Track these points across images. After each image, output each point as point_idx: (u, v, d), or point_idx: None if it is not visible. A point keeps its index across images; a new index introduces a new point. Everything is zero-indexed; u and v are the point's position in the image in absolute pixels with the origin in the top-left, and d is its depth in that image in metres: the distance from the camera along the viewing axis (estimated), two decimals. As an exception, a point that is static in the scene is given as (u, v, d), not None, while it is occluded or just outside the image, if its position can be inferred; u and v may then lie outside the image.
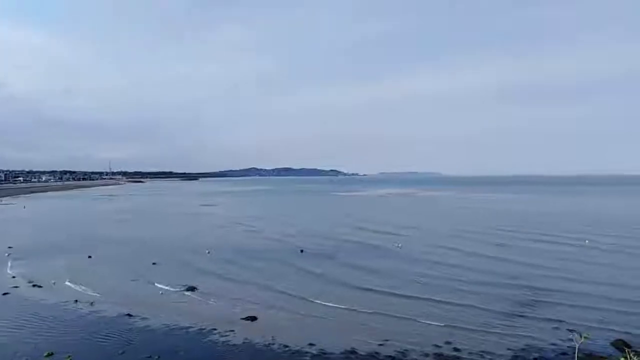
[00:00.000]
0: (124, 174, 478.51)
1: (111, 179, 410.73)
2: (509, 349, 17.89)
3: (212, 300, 25.01)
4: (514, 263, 33.73)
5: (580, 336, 13.25)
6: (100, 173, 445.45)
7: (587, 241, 43.66)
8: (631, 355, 14.59)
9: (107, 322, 21.40)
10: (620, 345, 18.03)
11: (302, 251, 40.46)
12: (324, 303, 23.86)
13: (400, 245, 42.95)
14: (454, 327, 20.38)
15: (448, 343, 18.50)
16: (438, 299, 24.71)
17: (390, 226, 57.20)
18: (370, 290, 26.60)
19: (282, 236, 50.08)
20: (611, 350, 17.66)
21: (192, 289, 27.38)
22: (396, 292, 26.13)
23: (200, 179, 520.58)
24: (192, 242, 45.66)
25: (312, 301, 24.45)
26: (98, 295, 26.09)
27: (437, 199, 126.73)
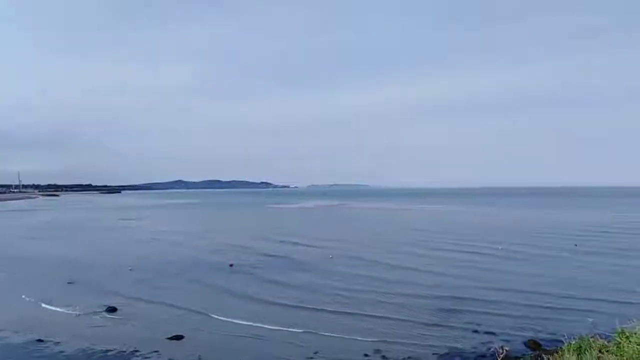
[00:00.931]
0: (37, 187, 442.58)
1: (21, 192, 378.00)
2: (434, 354, 18.69)
3: (135, 320, 23.63)
4: (434, 274, 34.85)
5: (502, 349, 14.07)
6: (8, 186, 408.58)
7: (500, 247, 47.02)
8: (542, 353, 15.73)
9: (13, 349, 19.45)
10: (533, 345, 19.45)
11: (231, 265, 39.62)
12: (252, 324, 23.04)
13: (331, 256, 43.61)
14: (383, 341, 20.55)
15: (377, 351, 18.91)
16: (365, 313, 24.80)
17: (319, 239, 57.48)
18: (299, 307, 26.22)
19: (211, 251, 48.75)
20: (525, 350, 18.95)
21: (112, 309, 25.70)
22: (325, 308, 25.96)
23: (123, 192, 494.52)
24: (112, 260, 43.02)
25: (240, 320, 23.76)
26: (4, 319, 23.68)
27: (365, 211, 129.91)
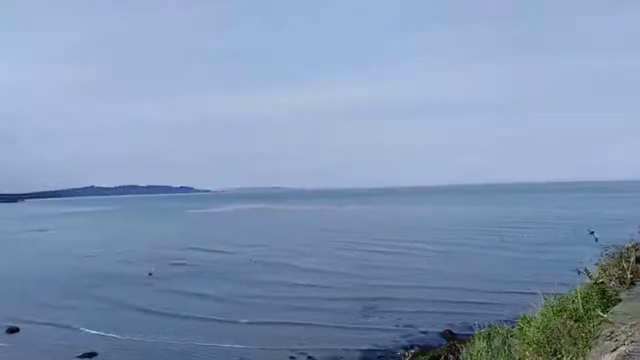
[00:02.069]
0: None
1: None
2: (358, 348, 19.30)
3: (42, 340, 21.72)
4: (354, 277, 34.86)
5: (408, 353, 14.80)
6: None
7: (411, 243, 49.42)
8: (456, 342, 16.76)
9: None
10: (448, 335, 20.70)
11: (150, 274, 37.84)
12: (166, 340, 21.74)
13: (254, 260, 43.16)
14: (307, 347, 20.40)
15: (302, 354, 19.08)
16: (288, 321, 24.27)
17: (238, 245, 55.93)
18: (220, 320, 24.97)
19: (127, 261, 46.10)
20: (441, 340, 20.09)
21: (14, 330, 23.41)
22: (247, 319, 25.00)
23: (25, 200, 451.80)
24: (16, 275, 39.22)
25: (155, 337, 22.33)
26: None
27: (284, 213, 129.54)
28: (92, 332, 23.15)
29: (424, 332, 21.34)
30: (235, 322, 24.49)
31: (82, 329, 23.66)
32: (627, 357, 1.49)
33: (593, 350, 2.03)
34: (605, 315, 2.12)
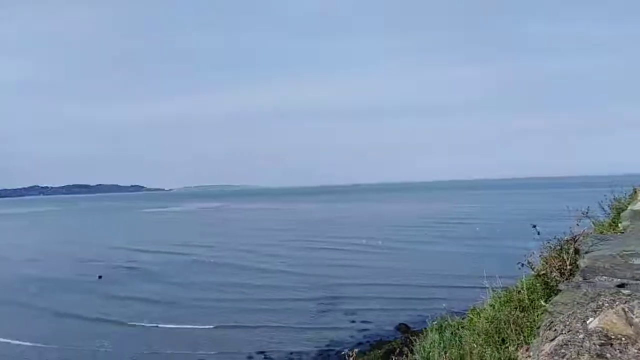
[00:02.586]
0: None
1: None
2: (316, 347, 19.36)
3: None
4: (308, 276, 34.51)
5: (352, 352, 14.96)
6: None
7: (364, 241, 50.07)
8: (410, 335, 17.19)
9: None
10: (403, 328, 21.18)
11: (100, 277, 36.38)
12: (112, 350, 20.83)
13: (212, 260, 42.50)
14: (264, 350, 20.27)
15: (260, 352, 18.97)
16: (243, 324, 23.83)
17: (190, 245, 54.52)
18: (166, 326, 24.15)
19: (75, 264, 44.00)
20: (396, 333, 20.53)
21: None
22: (201, 324, 24.16)
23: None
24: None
25: (100, 345, 21.34)
26: None
27: (238, 212, 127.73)
28: (28, 344, 21.65)
29: (380, 327, 21.73)
30: (188, 327, 23.75)
31: (16, 342, 21.98)
32: (564, 346, 1.56)
33: (535, 340, 2.10)
34: (546, 305, 2.21)
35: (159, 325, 24.28)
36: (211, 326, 23.91)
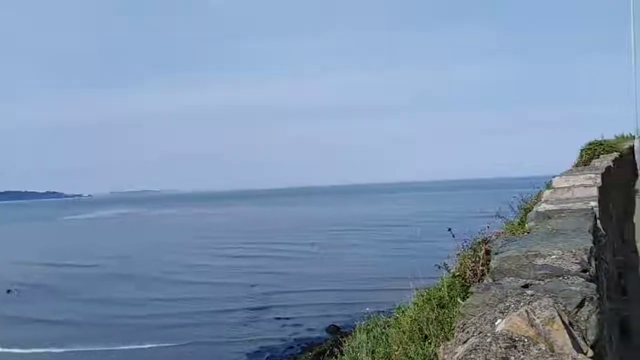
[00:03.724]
0: None
1: None
2: (247, 354, 19.03)
3: None
4: (233, 285, 33.36)
5: None
6: None
7: (296, 246, 49.79)
8: (340, 336, 17.46)
9: None
10: (333, 329, 21.45)
11: (8, 292, 33.30)
12: None
13: (127, 273, 39.97)
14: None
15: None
16: (164, 344, 22.28)
17: (102, 257, 50.05)
18: (78, 349, 22.30)
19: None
20: (327, 335, 20.74)
21: None
22: (115, 346, 22.50)
23: None
24: None
25: None
26: None
27: (164, 218, 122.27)
28: None
29: (310, 330, 21.84)
30: (102, 350, 21.96)
31: None
32: (473, 351, 1.61)
33: (449, 342, 2.17)
34: (463, 303, 2.30)
35: (68, 350, 22.21)
36: (130, 346, 22.19)
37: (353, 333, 16.16)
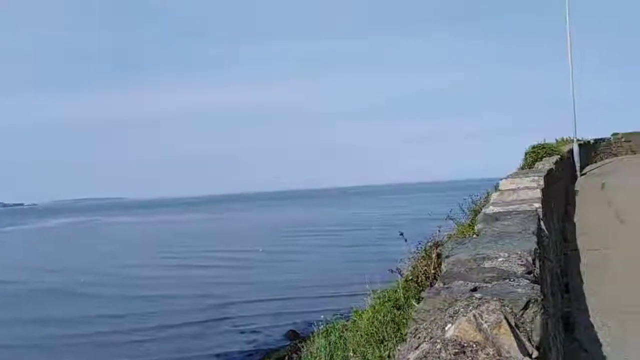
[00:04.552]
0: None
1: None
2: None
3: None
4: (184, 298, 31.40)
5: None
6: None
7: (249, 254, 48.64)
8: (299, 342, 17.38)
9: None
10: (292, 335, 21.30)
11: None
12: None
13: (83, 280, 38.05)
14: None
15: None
16: None
17: (43, 271, 46.50)
18: None
19: None
20: (286, 341, 20.59)
21: None
22: None
23: None
24: None
25: None
26: None
27: (110, 226, 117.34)
28: None
29: (269, 337, 21.60)
30: None
31: None
32: (424, 358, 1.62)
33: (401, 348, 2.18)
34: (415, 308, 2.32)
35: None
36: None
37: (311, 338, 16.12)
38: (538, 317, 2.10)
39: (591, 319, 6.94)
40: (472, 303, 2.06)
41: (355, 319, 12.15)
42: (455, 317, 1.99)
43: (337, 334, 12.41)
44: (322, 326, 13.90)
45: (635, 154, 40.41)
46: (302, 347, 15.54)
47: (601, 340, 6.21)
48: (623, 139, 41.51)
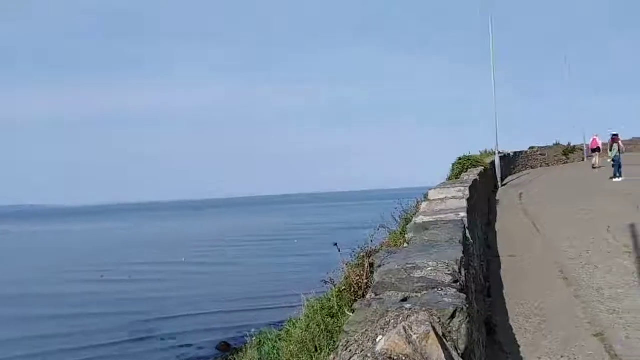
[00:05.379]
0: None
1: None
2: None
3: None
4: (105, 316, 28.42)
5: None
6: None
7: (183, 259, 46.91)
8: (231, 353, 16.91)
9: None
10: (224, 347, 20.77)
11: None
12: None
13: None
14: None
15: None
16: None
17: None
18: None
19: None
20: (217, 353, 20.02)
21: None
22: None
23: None
24: None
25: None
26: None
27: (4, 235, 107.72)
28: None
29: (200, 349, 20.87)
30: None
31: None
32: (355, 372, 1.60)
33: (332, 357, 2.16)
34: (346, 321, 2.31)
35: None
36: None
37: (244, 349, 15.77)
38: (464, 325, 2.17)
39: (510, 322, 7.38)
40: (403, 314, 2.09)
41: (289, 328, 12.04)
42: (386, 329, 2.00)
43: (270, 344, 12.23)
44: (254, 337, 13.65)
45: (548, 166, 44.01)
46: (234, 359, 15.19)
47: (519, 341, 6.61)
48: (538, 152, 45.13)
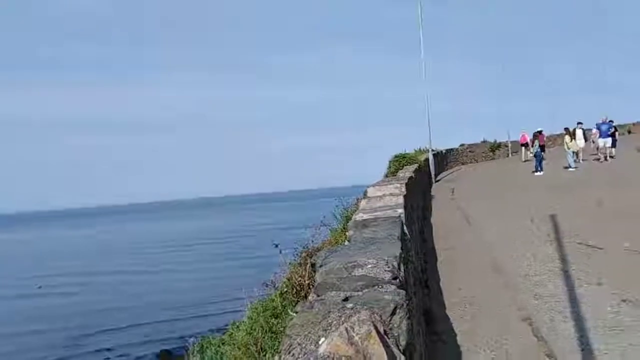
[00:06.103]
0: None
1: None
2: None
3: None
4: (32, 333, 26.27)
5: None
6: None
7: (101, 276, 43.48)
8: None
9: None
10: (165, 356, 20.06)
11: None
12: None
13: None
14: None
15: None
16: None
17: None
18: None
19: None
20: (157, 363, 19.29)
21: None
22: None
23: None
24: None
25: None
26: None
27: None
28: None
29: (139, 357, 19.98)
30: None
31: None
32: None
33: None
34: (292, 321, 2.27)
35: None
36: None
37: (185, 356, 15.31)
38: (404, 321, 2.21)
39: (447, 312, 7.70)
40: (345, 314, 2.09)
41: (232, 331, 11.82)
42: (328, 331, 2.00)
43: (213, 349, 11.94)
44: (196, 343, 13.26)
45: (477, 162, 46.47)
46: (174, 367, 14.68)
47: (456, 330, 6.90)
48: (468, 150, 47.52)
